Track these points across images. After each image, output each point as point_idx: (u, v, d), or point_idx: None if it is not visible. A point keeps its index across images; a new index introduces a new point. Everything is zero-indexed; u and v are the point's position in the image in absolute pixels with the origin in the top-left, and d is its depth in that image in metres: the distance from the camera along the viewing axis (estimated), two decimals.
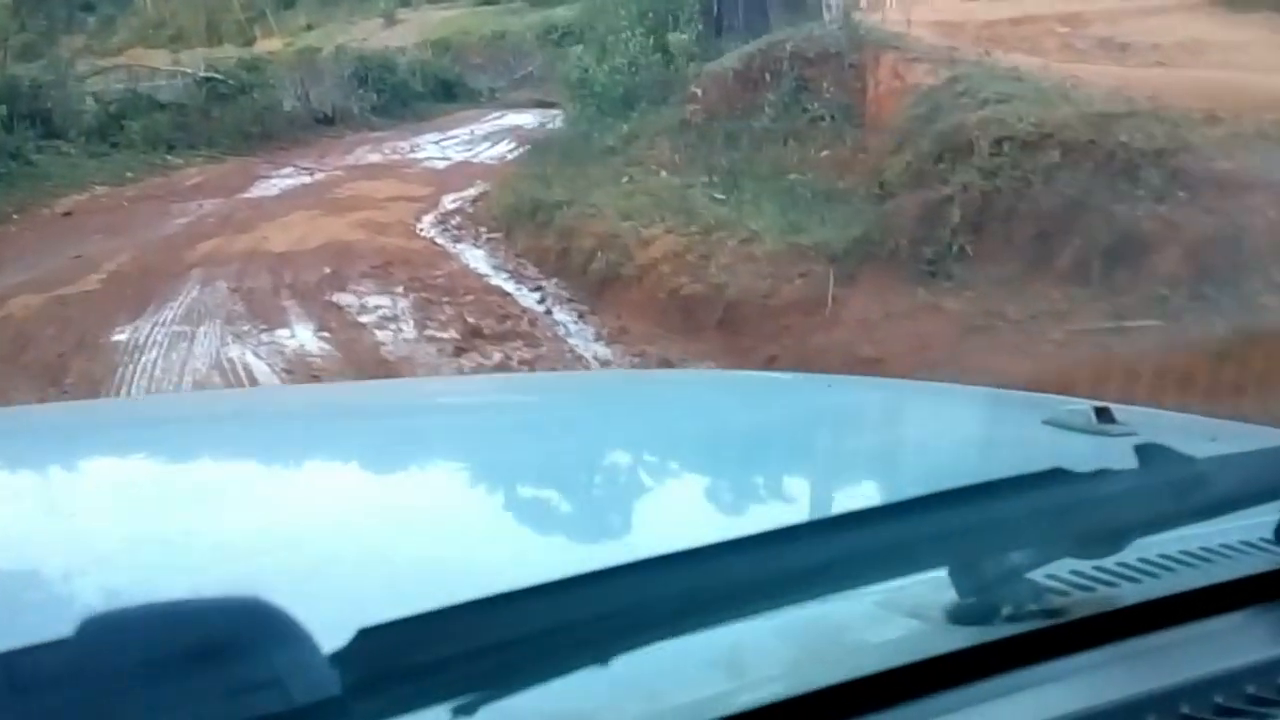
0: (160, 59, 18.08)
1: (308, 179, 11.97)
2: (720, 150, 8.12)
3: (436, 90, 18.99)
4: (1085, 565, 0.63)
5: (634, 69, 10.83)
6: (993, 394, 1.72)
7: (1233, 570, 0.66)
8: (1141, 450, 0.64)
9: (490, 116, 17.49)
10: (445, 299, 6.45)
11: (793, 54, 8.18)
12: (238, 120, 14.98)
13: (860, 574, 0.55)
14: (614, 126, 10.04)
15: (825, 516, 0.54)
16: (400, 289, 6.65)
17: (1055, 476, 0.59)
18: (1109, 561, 0.63)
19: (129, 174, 12.42)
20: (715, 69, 9.19)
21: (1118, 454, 0.65)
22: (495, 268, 7.56)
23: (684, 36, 10.96)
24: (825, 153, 7.53)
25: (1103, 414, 1.03)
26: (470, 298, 6.53)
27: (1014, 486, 0.58)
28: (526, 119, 16.30)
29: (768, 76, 8.30)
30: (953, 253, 5.37)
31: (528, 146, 12.61)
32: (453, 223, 9.25)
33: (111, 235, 8.78)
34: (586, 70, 11.63)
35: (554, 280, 7.01)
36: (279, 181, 11.87)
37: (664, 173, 8.19)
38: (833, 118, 7.72)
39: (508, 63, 21.72)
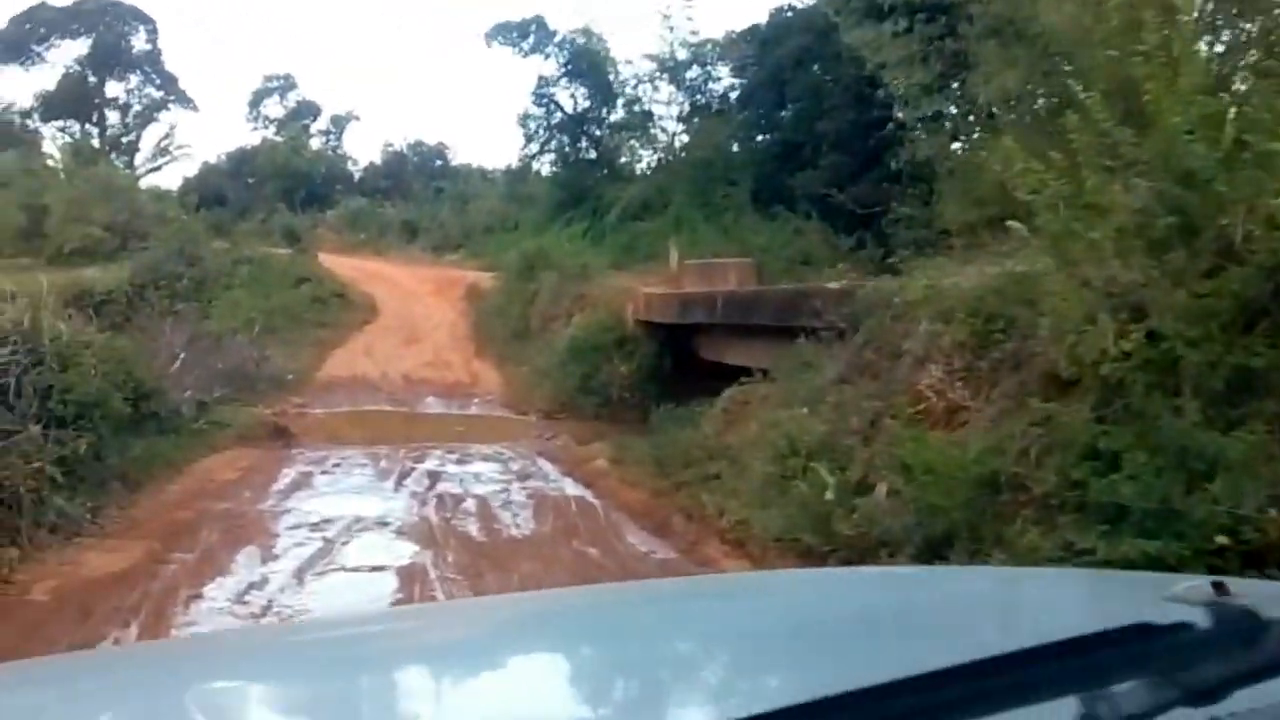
0: None
1: None
2: None
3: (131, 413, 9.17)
4: (1196, 714, 0.71)
5: None
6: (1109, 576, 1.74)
7: None
8: (1254, 614, 0.75)
9: (287, 471, 9.37)
10: None
11: None
12: None
13: (1003, 704, 0.69)
14: None
15: (982, 658, 0.71)
16: None
17: (1168, 632, 0.71)
18: (1219, 710, 0.71)
19: None
20: None
21: (1232, 620, 0.76)
22: None
23: None
24: None
25: (1219, 588, 1.13)
26: None
27: (1128, 639, 0.70)
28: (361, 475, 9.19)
29: None
30: None
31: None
32: None
33: None
34: None
35: None
36: None
37: None
38: None
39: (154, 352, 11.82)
